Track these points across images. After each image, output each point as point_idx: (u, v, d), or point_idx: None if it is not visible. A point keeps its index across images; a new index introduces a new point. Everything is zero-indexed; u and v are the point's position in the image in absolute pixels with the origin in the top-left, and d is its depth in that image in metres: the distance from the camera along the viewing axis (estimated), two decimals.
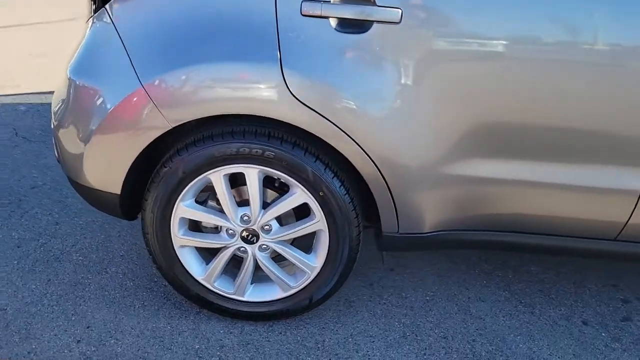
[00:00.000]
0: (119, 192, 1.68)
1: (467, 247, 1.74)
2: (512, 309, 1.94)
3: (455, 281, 2.08)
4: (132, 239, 2.28)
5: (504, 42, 1.42)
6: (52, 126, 1.76)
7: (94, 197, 1.74)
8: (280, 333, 1.81)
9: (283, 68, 1.45)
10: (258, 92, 1.48)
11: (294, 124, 1.50)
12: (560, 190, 1.59)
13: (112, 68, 1.56)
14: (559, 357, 1.74)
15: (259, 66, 1.46)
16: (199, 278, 1.79)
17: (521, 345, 1.78)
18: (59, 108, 1.69)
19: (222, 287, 1.80)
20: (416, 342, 1.79)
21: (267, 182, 1.69)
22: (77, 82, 1.61)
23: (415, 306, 1.94)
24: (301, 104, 1.47)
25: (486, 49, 1.43)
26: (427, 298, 1.99)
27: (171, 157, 1.60)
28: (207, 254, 1.82)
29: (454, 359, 1.72)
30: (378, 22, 1.43)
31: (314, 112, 1.48)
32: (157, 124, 1.54)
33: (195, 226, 1.80)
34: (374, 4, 1.42)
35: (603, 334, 1.84)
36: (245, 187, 1.67)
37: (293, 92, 1.46)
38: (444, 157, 1.54)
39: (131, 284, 2.03)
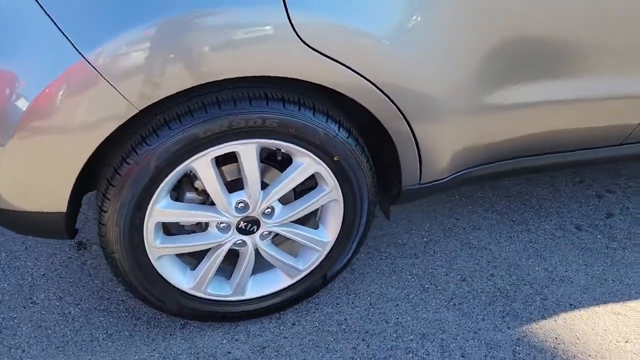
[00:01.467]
0: (64, 209, 1.20)
1: (483, 182, 1.58)
2: (509, 231, 1.86)
3: (443, 213, 1.93)
4: (45, 249, 1.76)
5: None
6: None
7: (22, 222, 1.24)
8: (295, 324, 1.53)
9: (288, 7, 1.07)
10: (260, 44, 1.08)
11: (310, 80, 1.15)
12: (582, 103, 1.47)
13: (28, 37, 1.04)
14: (575, 271, 1.71)
15: (257, 8, 1.06)
16: (186, 288, 1.41)
17: (537, 268, 1.71)
18: None
19: (216, 291, 1.45)
20: (439, 292, 1.63)
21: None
22: None
23: (418, 252, 1.77)
24: (316, 52, 1.11)
25: None
26: (425, 240, 1.82)
27: (134, 149, 1.16)
28: (188, 257, 1.44)
29: (484, 301, 1.60)
30: None
31: (332, 61, 1.13)
32: (116, 108, 1.08)
33: (165, 228, 1.39)
34: None
35: (599, 236, 1.84)
36: (228, 167, 1.30)
37: (304, 39, 1.09)
38: (473, 86, 1.31)
39: (76, 310, 1.57)
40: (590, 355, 1.45)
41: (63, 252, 1.75)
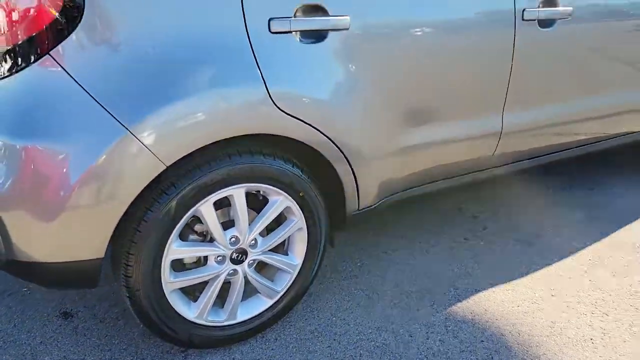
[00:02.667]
0: (102, 255, 1.50)
1: (402, 203, 2.09)
2: (420, 248, 2.38)
3: (367, 244, 2.41)
4: (33, 323, 1.93)
5: (424, 39, 1.80)
6: None
7: (61, 273, 1.50)
8: (277, 339, 1.87)
9: (267, 85, 1.54)
10: (248, 111, 1.53)
11: (284, 134, 1.60)
12: (459, 141, 2.07)
13: (77, 119, 1.38)
14: (472, 268, 2.25)
15: (245, 89, 1.52)
16: (192, 318, 1.71)
17: (446, 270, 2.24)
18: (20, 183, 1.39)
19: (213, 318, 1.77)
20: (380, 298, 2.07)
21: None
22: (29, 147, 1.37)
23: (357, 273, 2.21)
24: (288, 115, 1.58)
25: (411, 49, 1.79)
26: (359, 264, 2.28)
27: (156, 200, 1.51)
28: (188, 295, 1.75)
29: (415, 298, 2.07)
30: (333, 30, 1.63)
31: (298, 120, 1.61)
32: (150, 166, 1.44)
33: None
34: (327, 13, 1.61)
35: (481, 242, 2.43)
36: (219, 212, 1.68)
37: (280, 106, 1.56)
38: (395, 130, 1.85)
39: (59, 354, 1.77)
40: (496, 319, 1.97)
41: (52, 323, 1.94)
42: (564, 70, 2.23)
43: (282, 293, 1.86)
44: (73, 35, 1.37)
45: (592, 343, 1.88)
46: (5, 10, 1.39)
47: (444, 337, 1.89)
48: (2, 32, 1.39)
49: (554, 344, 1.87)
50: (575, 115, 2.36)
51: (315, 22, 1.60)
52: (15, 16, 1.38)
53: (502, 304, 2.05)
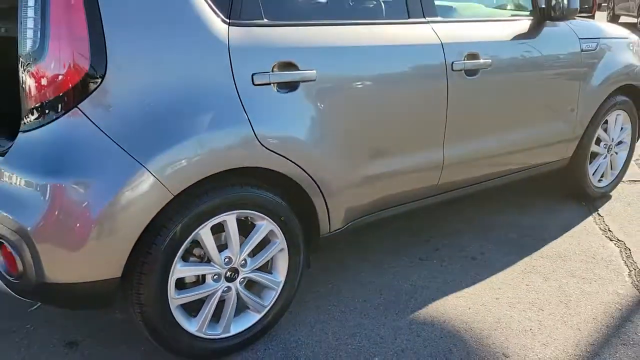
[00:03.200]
0: (119, 274, 1.76)
1: (367, 225, 2.42)
2: (382, 269, 2.71)
3: (335, 267, 2.72)
4: (40, 353, 2.12)
5: (377, 88, 2.21)
6: (11, 242, 1.67)
7: (84, 293, 1.74)
8: (266, 349, 2.13)
9: (254, 127, 1.88)
10: (240, 150, 1.87)
11: (268, 167, 1.94)
12: (409, 173, 2.46)
13: (101, 162, 1.68)
14: (428, 281, 2.59)
15: (235, 130, 1.86)
16: (193, 331, 1.97)
17: (405, 285, 2.57)
18: (36, 216, 1.65)
19: (211, 331, 2.02)
20: (353, 311, 2.37)
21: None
22: (59, 184, 1.64)
23: (329, 292, 2.51)
24: (270, 151, 1.93)
25: (366, 96, 2.19)
26: (330, 285, 2.58)
27: (164, 225, 1.80)
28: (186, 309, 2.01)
29: (382, 308, 2.39)
30: (303, 81, 2.01)
31: (278, 155, 1.95)
32: (160, 196, 1.74)
33: None
34: (297, 68, 1.99)
35: (434, 261, 2.79)
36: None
37: (264, 144, 1.90)
38: (357, 163, 2.22)
39: None
40: (451, 320, 2.30)
41: (59, 353, 2.13)
42: (489, 110, 2.68)
43: (268, 307, 2.14)
44: (96, 92, 1.68)
45: (531, 332, 2.24)
46: (35, 77, 1.69)
47: (409, 336, 2.21)
48: (36, 91, 1.68)
49: (500, 335, 2.22)
50: (502, 148, 2.81)
51: (288, 76, 1.98)
52: (44, 82, 1.68)
53: (456, 308, 2.40)
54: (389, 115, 2.31)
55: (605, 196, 3.55)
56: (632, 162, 4.06)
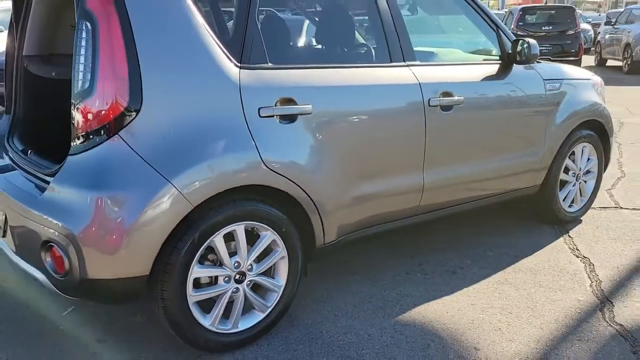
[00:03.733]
0: (148, 272, 2.11)
1: (357, 240, 2.78)
2: (371, 280, 3.05)
3: (330, 282, 3.06)
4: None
5: (364, 120, 2.61)
6: (60, 245, 2.04)
7: (118, 288, 2.10)
8: (268, 344, 2.46)
9: (260, 153, 2.27)
10: (249, 170, 2.25)
11: (271, 185, 2.32)
12: (393, 195, 2.83)
13: (136, 178, 2.06)
14: (412, 290, 2.93)
15: (245, 154, 2.25)
16: (207, 325, 2.30)
17: (392, 293, 2.90)
18: (82, 224, 2.02)
19: (222, 327, 2.36)
20: (344, 315, 2.71)
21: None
22: (102, 196, 2.02)
23: (322, 299, 2.85)
24: (273, 172, 2.31)
25: (355, 127, 2.59)
26: (325, 295, 2.92)
27: (185, 232, 2.17)
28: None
29: (372, 310, 2.72)
30: (300, 114, 2.41)
31: (280, 175, 2.33)
32: (183, 207, 2.11)
33: None
34: (296, 104, 2.40)
35: (418, 274, 3.13)
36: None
37: (269, 166, 2.29)
38: (347, 184, 2.60)
39: None
40: (431, 321, 2.63)
41: (90, 347, 2.46)
42: (463, 141, 3.08)
43: (271, 308, 2.48)
44: (133, 122, 2.07)
45: (500, 330, 2.58)
46: (84, 111, 2.09)
47: (393, 334, 2.54)
48: (84, 122, 2.08)
49: (473, 333, 2.55)
50: (476, 175, 3.19)
51: (288, 110, 2.38)
52: (91, 114, 2.08)
53: (435, 312, 2.73)
54: (375, 144, 2.70)
55: (576, 220, 3.91)
56: (603, 191, 4.46)
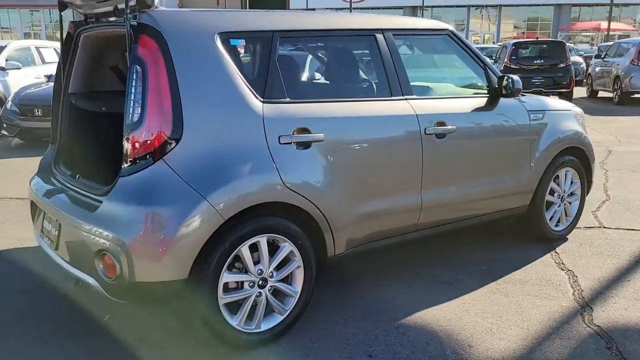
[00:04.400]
0: (187, 276, 2.47)
1: (364, 253, 3.13)
2: (372, 296, 3.39)
3: (349, 299, 3.41)
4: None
5: (368, 147, 3.01)
6: (113, 252, 2.40)
7: (161, 290, 2.45)
8: (287, 344, 2.80)
9: (280, 174, 2.66)
10: (270, 189, 2.63)
11: (290, 202, 2.69)
12: (394, 213, 3.20)
13: (177, 196, 2.44)
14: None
15: (268, 175, 2.63)
16: (235, 325, 2.65)
17: (396, 300, 3.25)
18: (132, 235, 2.39)
19: (247, 327, 2.70)
20: (351, 322, 3.05)
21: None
22: (149, 211, 2.40)
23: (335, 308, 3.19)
24: (291, 191, 2.69)
25: (360, 153, 2.98)
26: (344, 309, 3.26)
27: (217, 242, 2.53)
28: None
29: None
30: (314, 142, 2.80)
31: (297, 194, 2.71)
32: (216, 220, 2.48)
33: None
34: (310, 132, 2.79)
35: (431, 284, 3.48)
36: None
37: (287, 185, 2.67)
38: (354, 203, 2.97)
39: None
40: (430, 324, 2.97)
41: (130, 346, 2.79)
42: (456, 166, 3.46)
43: (289, 311, 2.83)
44: (174, 149, 2.46)
45: (491, 331, 2.92)
46: (133, 139, 2.48)
47: (397, 335, 2.88)
48: (133, 149, 2.47)
49: (467, 333, 2.89)
50: (468, 196, 3.56)
51: (304, 137, 2.77)
52: (140, 142, 2.47)
53: (434, 317, 3.07)
54: (378, 168, 3.09)
55: (562, 238, 4.26)
56: (589, 212, 4.83)
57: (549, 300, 3.27)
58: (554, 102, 4.21)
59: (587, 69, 17.54)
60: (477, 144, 3.58)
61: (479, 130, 3.59)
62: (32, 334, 2.91)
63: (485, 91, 3.74)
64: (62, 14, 3.15)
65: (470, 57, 3.70)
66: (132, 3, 2.50)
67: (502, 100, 3.73)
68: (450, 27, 3.71)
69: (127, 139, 2.48)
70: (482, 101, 3.67)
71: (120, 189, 2.50)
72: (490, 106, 3.68)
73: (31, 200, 3.20)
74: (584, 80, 17.21)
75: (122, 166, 2.50)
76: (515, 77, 3.65)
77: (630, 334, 2.88)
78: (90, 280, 2.56)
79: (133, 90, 2.46)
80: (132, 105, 2.47)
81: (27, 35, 49.23)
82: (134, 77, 2.46)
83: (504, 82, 3.65)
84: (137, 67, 2.46)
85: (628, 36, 33.21)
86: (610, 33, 31.51)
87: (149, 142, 2.46)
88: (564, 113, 4.18)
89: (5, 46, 10.27)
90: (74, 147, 3.25)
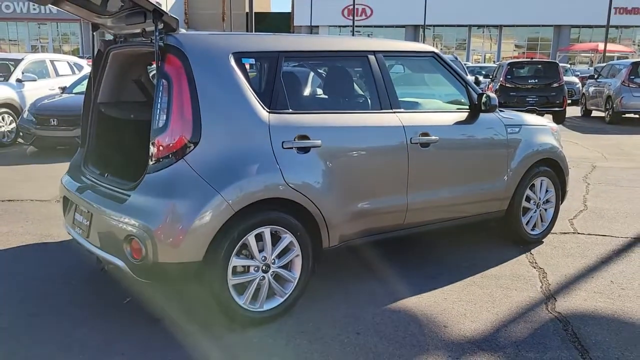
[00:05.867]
0: (201, 259, 2.90)
1: (356, 247, 3.56)
2: (361, 299, 3.81)
3: (334, 304, 3.82)
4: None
5: (360, 153, 3.45)
6: (140, 237, 2.83)
7: (179, 270, 2.88)
8: (285, 322, 3.21)
9: (283, 174, 3.09)
10: (274, 187, 3.07)
11: (290, 199, 3.13)
12: (383, 213, 3.63)
13: (195, 190, 2.88)
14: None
15: (272, 175, 3.07)
16: (241, 304, 3.07)
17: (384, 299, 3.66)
18: (157, 222, 2.82)
19: (251, 306, 3.12)
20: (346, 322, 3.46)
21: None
22: (171, 203, 2.84)
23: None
24: (292, 189, 3.13)
25: (353, 158, 3.42)
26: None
27: (228, 230, 2.96)
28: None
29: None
30: (312, 147, 3.24)
31: (297, 192, 3.15)
32: (227, 212, 2.92)
33: None
34: (309, 139, 3.23)
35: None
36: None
37: (289, 184, 3.11)
38: (347, 202, 3.40)
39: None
40: (414, 309, 3.38)
41: (148, 325, 3.20)
42: (438, 172, 3.90)
43: (288, 294, 3.25)
44: (194, 150, 2.91)
45: (464, 315, 3.33)
46: (158, 142, 2.92)
47: (382, 318, 3.30)
48: (157, 150, 2.91)
49: (443, 316, 3.31)
50: (449, 199, 3.99)
51: (304, 143, 3.21)
52: (163, 145, 2.91)
53: (415, 303, 3.49)
54: (368, 172, 3.53)
55: (538, 242, 4.68)
56: (566, 220, 5.26)
57: (519, 291, 3.69)
58: (530, 118, 4.65)
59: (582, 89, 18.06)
60: (458, 154, 4.02)
61: (460, 141, 4.03)
62: (59, 311, 3.33)
63: (467, 107, 4.19)
64: (94, 33, 3.62)
65: (453, 76, 4.16)
66: (160, 27, 2.95)
67: (482, 115, 4.18)
68: (435, 50, 4.17)
69: (153, 142, 2.92)
70: (463, 115, 4.12)
71: (147, 184, 2.94)
72: (471, 120, 4.13)
73: (63, 195, 3.63)
74: (579, 100, 17.71)
75: (148, 164, 2.95)
76: (492, 94, 4.10)
77: (585, 320, 3.30)
78: (119, 262, 2.99)
79: (159, 101, 2.91)
80: (158, 113, 2.92)
81: (34, 48, 50.11)
82: (161, 90, 2.92)
83: (483, 99, 4.10)
84: (164, 81, 2.92)
85: (627, 57, 33.83)
86: (610, 54, 32.17)
87: (172, 144, 2.90)
88: (540, 128, 4.62)
89: (22, 59, 10.79)
90: (102, 149, 3.70)
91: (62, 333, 3.10)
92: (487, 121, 4.22)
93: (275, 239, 3.19)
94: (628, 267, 4.17)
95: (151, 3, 2.89)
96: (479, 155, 4.15)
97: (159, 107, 2.92)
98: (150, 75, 3.98)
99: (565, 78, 15.68)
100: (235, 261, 3.02)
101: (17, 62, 10.70)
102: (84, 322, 3.22)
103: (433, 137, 3.80)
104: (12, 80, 10.23)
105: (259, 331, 3.12)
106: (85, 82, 9.58)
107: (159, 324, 3.20)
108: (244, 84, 3.09)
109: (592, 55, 39.32)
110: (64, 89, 9.91)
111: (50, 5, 3.20)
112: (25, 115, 8.99)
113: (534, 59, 19.66)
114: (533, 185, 4.57)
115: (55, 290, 3.64)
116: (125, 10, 3.16)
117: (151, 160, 2.94)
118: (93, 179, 3.46)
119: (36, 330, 3.13)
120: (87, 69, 11.84)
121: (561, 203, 4.86)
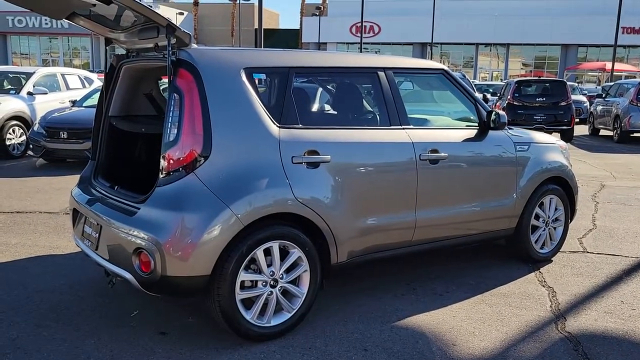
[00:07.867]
0: (210, 273, 2.89)
1: (364, 263, 3.55)
2: (372, 306, 3.79)
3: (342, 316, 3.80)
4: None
5: (369, 169, 3.45)
6: (149, 250, 2.83)
7: (187, 284, 2.87)
8: (293, 338, 3.19)
9: (292, 189, 3.10)
10: (283, 201, 3.07)
11: (299, 214, 3.12)
12: (391, 230, 3.62)
13: (205, 204, 2.88)
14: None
15: (282, 190, 3.07)
16: (249, 319, 3.05)
17: (385, 306, 3.64)
18: (166, 235, 2.82)
19: (259, 321, 3.11)
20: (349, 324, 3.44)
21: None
22: (181, 216, 2.84)
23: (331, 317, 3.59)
24: (301, 204, 3.13)
25: (362, 174, 3.42)
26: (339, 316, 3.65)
27: (236, 244, 2.96)
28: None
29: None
30: (322, 162, 3.25)
31: (306, 207, 3.15)
32: (236, 226, 2.92)
33: None
34: (319, 154, 3.24)
35: (413, 296, 3.87)
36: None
37: (298, 199, 3.11)
38: (356, 218, 3.40)
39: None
40: (420, 325, 3.36)
41: (154, 338, 3.19)
42: (447, 189, 3.89)
43: (296, 309, 3.23)
44: (204, 164, 2.92)
45: (474, 333, 3.30)
46: (169, 156, 2.94)
47: (390, 334, 3.27)
48: (168, 164, 2.92)
49: (452, 335, 3.28)
50: (457, 217, 3.97)
51: (313, 158, 3.22)
52: (174, 158, 2.93)
53: (424, 321, 3.46)
54: (377, 188, 3.53)
55: (546, 260, 4.65)
56: (575, 239, 5.22)
57: (528, 310, 3.66)
58: (539, 136, 4.65)
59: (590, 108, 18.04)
60: (467, 171, 4.01)
61: (469, 158, 4.02)
62: (66, 323, 3.33)
63: (476, 124, 4.20)
64: (107, 48, 3.66)
65: (462, 94, 4.17)
66: (173, 41, 2.99)
67: (490, 132, 4.18)
68: (445, 67, 4.19)
69: (164, 155, 2.94)
70: (472, 132, 4.12)
71: (157, 197, 2.95)
72: (480, 137, 4.13)
73: (73, 207, 3.65)
74: (587, 119, 17.68)
75: (159, 177, 2.96)
76: (502, 112, 4.10)
77: (596, 340, 3.26)
78: (127, 275, 2.99)
79: (171, 115, 2.94)
80: (169, 127, 2.94)
81: (45, 62, 50.76)
82: (172, 104, 2.94)
83: (493, 117, 4.10)
84: (175, 95, 2.94)
85: (634, 77, 33.82)
86: (617, 73, 32.14)
87: (182, 158, 2.92)
88: (549, 146, 4.61)
89: (34, 73, 10.91)
90: (113, 162, 3.72)
91: (70, 344, 3.09)
92: (496, 139, 4.21)
93: (284, 253, 3.19)
94: (639, 287, 4.12)
95: (164, 18, 2.92)
96: (487, 172, 4.14)
97: (170, 121, 2.94)
98: (162, 89, 4.01)
99: (573, 97, 15.68)
100: (244, 275, 3.02)
101: (28, 75, 10.81)
102: (91, 334, 3.21)
103: (442, 154, 3.80)
104: (24, 93, 10.33)
105: (266, 346, 3.10)
106: (96, 95, 9.76)
107: (165, 337, 3.19)
108: (255, 99, 3.11)
109: (600, 74, 39.35)
110: (74, 103, 10.00)
111: (64, 19, 3.25)
112: (35, 128, 9.06)
113: (541, 77, 19.68)
114: (542, 203, 4.55)
115: (63, 302, 3.64)
116: (139, 25, 3.20)
117: (161, 174, 2.95)
118: (103, 192, 3.47)
119: (44, 342, 3.12)
120: (97, 83, 11.96)
121: (570, 221, 4.84)
